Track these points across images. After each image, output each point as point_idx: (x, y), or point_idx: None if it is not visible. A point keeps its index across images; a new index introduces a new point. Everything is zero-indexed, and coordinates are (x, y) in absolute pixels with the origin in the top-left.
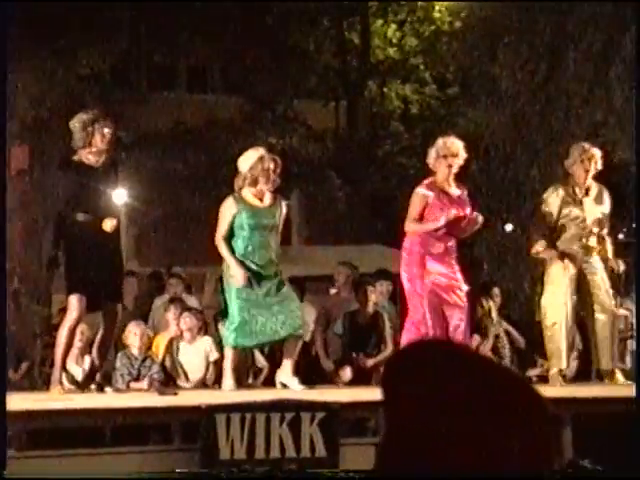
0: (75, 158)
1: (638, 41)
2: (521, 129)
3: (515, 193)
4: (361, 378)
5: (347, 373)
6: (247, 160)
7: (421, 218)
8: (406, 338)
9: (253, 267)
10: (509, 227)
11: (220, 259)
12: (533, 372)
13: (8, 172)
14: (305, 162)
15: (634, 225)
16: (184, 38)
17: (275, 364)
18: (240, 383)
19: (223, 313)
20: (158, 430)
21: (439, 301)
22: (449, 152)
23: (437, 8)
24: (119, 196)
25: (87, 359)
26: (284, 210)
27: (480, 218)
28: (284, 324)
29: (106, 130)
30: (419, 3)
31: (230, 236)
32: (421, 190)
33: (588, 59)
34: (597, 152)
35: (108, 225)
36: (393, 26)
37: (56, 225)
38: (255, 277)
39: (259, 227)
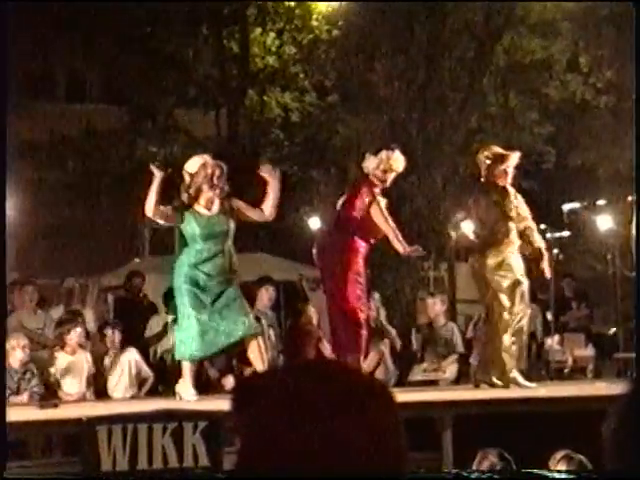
0: None
1: (638, 42)
2: (399, 136)
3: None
4: None
5: (230, 381)
6: (190, 168)
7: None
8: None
9: (202, 276)
10: None
11: (99, 270)
12: (419, 377)
13: None
14: None
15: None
16: (62, 47)
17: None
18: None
19: (177, 324)
20: (39, 443)
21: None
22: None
23: (315, 16)
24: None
25: None
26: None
27: None
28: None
29: None
30: (297, 12)
31: (184, 246)
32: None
33: (462, 67)
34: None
35: None
36: (272, 34)
37: None
38: (204, 286)
39: (211, 236)
